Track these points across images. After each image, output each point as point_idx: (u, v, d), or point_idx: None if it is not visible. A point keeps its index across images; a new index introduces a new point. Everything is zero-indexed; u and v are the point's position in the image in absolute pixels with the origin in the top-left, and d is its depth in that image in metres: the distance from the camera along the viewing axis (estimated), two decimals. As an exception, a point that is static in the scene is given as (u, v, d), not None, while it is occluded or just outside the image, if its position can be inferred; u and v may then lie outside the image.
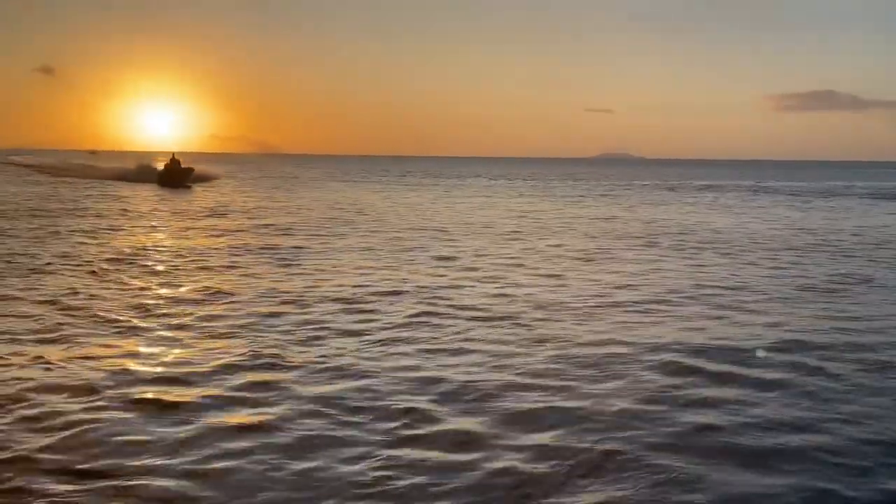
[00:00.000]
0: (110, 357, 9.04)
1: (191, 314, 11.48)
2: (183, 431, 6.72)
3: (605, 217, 33.12)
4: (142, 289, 13.56)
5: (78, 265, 16.10)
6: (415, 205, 39.11)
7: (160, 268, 16.11)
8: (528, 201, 44.88)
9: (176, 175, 51.83)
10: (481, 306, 12.36)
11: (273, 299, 12.70)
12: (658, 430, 6.96)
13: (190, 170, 53.14)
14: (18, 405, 7.30)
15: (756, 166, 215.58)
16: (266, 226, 25.91)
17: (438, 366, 8.95)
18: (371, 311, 11.86)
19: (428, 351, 9.62)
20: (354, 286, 14.05)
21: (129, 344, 9.71)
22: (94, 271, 15.34)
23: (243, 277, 15.03)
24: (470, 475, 5.99)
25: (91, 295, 12.82)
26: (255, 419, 7.05)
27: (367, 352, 9.49)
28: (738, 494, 5.74)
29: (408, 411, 7.36)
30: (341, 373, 8.58)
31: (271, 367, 8.75)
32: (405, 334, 10.44)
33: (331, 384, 8.16)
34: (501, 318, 11.48)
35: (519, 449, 6.49)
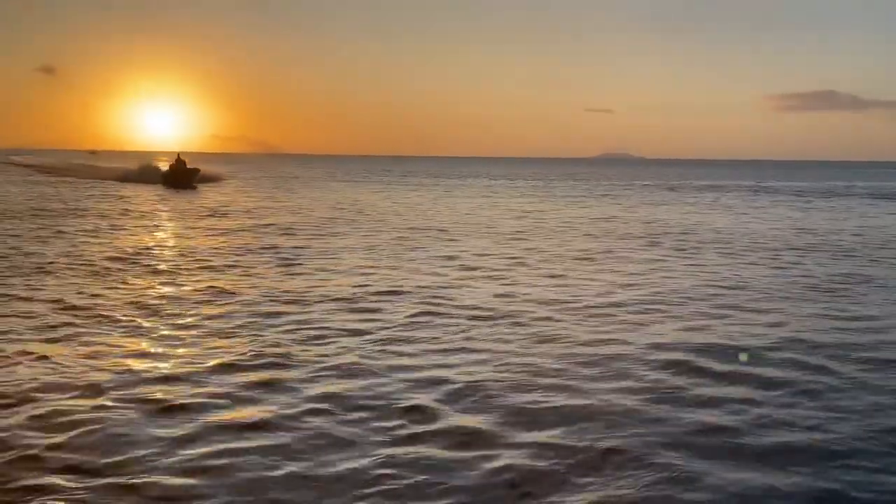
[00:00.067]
0: (114, 356, 9.09)
1: (193, 313, 11.52)
2: (186, 429, 6.76)
3: (605, 217, 33.13)
4: (145, 288, 13.59)
5: (81, 265, 16.13)
6: (415, 205, 39.13)
7: (163, 267, 16.14)
8: (529, 201, 44.90)
9: (182, 175, 50.74)
10: (482, 306, 12.39)
11: (275, 299, 12.74)
12: (659, 428, 6.99)
13: (196, 170, 51.94)
14: (25, 404, 7.34)
15: (756, 166, 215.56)
16: (267, 225, 25.93)
17: (439, 365, 8.97)
18: (372, 311, 11.89)
19: (429, 350, 9.65)
20: (356, 286, 14.08)
21: (132, 343, 9.75)
22: (97, 271, 15.38)
23: (245, 277, 15.06)
24: (471, 473, 6.02)
25: (94, 294, 12.86)
26: (257, 417, 7.09)
27: (368, 351, 9.52)
28: (739, 492, 5.77)
29: (409, 410, 7.39)
30: (343, 372, 8.61)
31: (273, 366, 8.79)
32: (406, 334, 10.47)
33: (332, 383, 8.19)
34: (502, 318, 11.51)
35: (520, 447, 6.52)
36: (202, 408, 7.32)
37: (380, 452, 6.35)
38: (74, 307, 11.77)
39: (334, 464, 6.13)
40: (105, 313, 11.37)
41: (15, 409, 7.21)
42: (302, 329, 10.61)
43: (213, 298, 12.72)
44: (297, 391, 7.90)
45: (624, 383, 8.33)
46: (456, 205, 39.88)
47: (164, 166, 57.53)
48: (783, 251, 20.84)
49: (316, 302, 12.53)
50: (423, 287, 14.06)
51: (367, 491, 5.68)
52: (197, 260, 17.31)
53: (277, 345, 9.68)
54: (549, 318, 11.53)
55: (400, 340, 10.10)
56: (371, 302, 12.62)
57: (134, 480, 5.77)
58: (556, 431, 6.88)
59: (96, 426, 6.80)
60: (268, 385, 8.06)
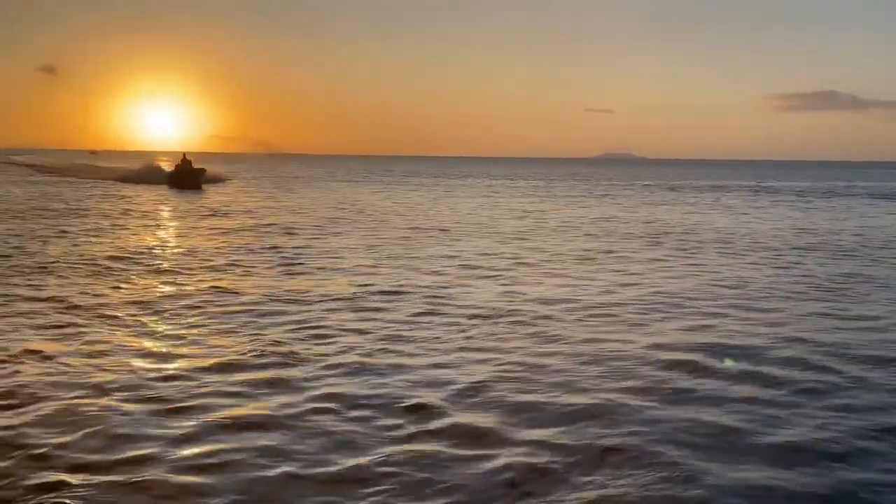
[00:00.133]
0: (118, 355, 9.14)
1: (196, 313, 11.56)
2: (189, 428, 6.81)
3: (606, 217, 33.16)
4: (147, 288, 13.64)
5: (84, 264, 16.18)
6: (416, 204, 39.16)
7: (165, 266, 16.18)
8: (530, 201, 44.93)
9: (187, 176, 49.52)
10: (483, 305, 12.43)
11: (276, 298, 12.78)
12: (660, 427, 7.02)
13: (202, 170, 50.63)
14: (31, 404, 7.38)
15: (756, 166, 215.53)
16: (268, 225, 25.97)
17: (441, 364, 9.01)
18: (374, 310, 11.93)
19: (430, 349, 9.69)
20: (357, 285, 14.12)
21: (136, 342, 9.79)
22: (99, 270, 15.42)
23: (246, 277, 15.10)
24: (471, 472, 6.05)
25: (97, 294, 12.90)
26: (260, 416, 7.13)
27: (369, 350, 9.56)
28: (740, 490, 5.80)
29: (410, 409, 7.42)
30: (344, 371, 8.65)
31: (276, 365, 8.83)
32: (408, 333, 10.51)
33: (334, 381, 8.23)
34: (503, 317, 11.54)
35: (520, 445, 6.55)
36: (205, 406, 7.36)
37: (381, 451, 6.39)
38: (77, 306, 11.81)
39: (335, 462, 6.17)
40: (108, 313, 11.42)
41: (22, 408, 7.26)
42: (303, 328, 10.65)
43: (215, 298, 12.76)
44: (300, 390, 7.94)
45: (624, 382, 8.36)
46: (457, 205, 39.91)
47: (166, 166, 57.33)
48: (784, 251, 20.87)
49: (317, 301, 12.57)
50: (425, 286, 14.10)
51: (367, 490, 5.72)
52: (199, 259, 17.35)
53: (279, 344, 9.72)
54: (550, 318, 11.57)
55: (401, 339, 10.14)
56: (372, 301, 12.66)
57: (140, 478, 5.82)
58: (557, 430, 6.91)
59: (102, 425, 6.84)
60: (270, 384, 8.11)
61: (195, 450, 6.35)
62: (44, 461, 6.08)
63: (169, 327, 10.63)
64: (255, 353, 9.22)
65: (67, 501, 5.42)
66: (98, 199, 37.74)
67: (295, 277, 15.12)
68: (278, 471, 6.00)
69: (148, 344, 9.71)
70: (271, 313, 11.60)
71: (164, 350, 9.43)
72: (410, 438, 6.70)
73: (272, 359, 9.04)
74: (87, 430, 6.68)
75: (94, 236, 21.67)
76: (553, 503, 5.57)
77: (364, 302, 12.60)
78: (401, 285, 14.17)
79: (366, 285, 14.15)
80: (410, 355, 9.39)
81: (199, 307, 11.98)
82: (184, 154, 52.02)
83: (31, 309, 11.60)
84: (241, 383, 8.10)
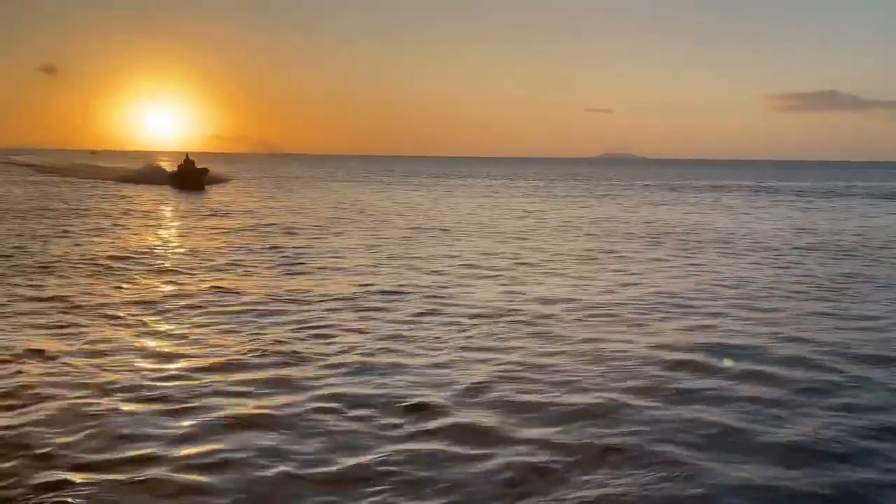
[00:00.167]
0: (120, 354, 9.16)
1: (197, 312, 11.58)
2: (191, 427, 6.83)
3: (606, 217, 33.17)
4: (149, 287, 13.66)
5: (85, 264, 16.20)
6: (417, 204, 39.18)
7: (166, 266, 16.20)
8: (530, 201, 44.95)
9: (190, 176, 49.19)
10: (484, 305, 12.44)
11: (277, 298, 12.80)
12: (660, 426, 7.03)
13: (205, 170, 50.37)
14: (35, 403, 7.40)
15: (756, 166, 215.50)
16: (269, 225, 25.99)
17: (441, 363, 9.03)
18: (374, 310, 11.95)
19: (431, 349, 9.70)
20: (358, 285, 14.14)
21: (138, 341, 9.82)
22: (100, 270, 15.45)
23: (247, 276, 15.13)
24: (471, 471, 6.07)
25: (99, 293, 12.92)
26: (262, 415, 7.15)
27: (370, 349, 9.58)
28: (740, 490, 5.81)
29: (410, 408, 7.44)
30: (345, 370, 8.67)
31: (276, 364, 8.85)
32: (408, 332, 10.53)
33: (335, 381, 8.25)
34: (504, 316, 11.56)
35: (520, 444, 6.57)
36: (206, 406, 7.38)
37: (381, 450, 6.41)
38: (79, 306, 11.83)
39: (336, 461, 6.19)
40: (110, 312, 11.45)
41: (25, 408, 7.28)
42: (304, 328, 10.67)
43: (216, 298, 12.78)
44: (301, 389, 7.95)
45: (624, 382, 8.38)
46: (457, 204, 39.93)
47: (166, 166, 57.24)
48: (784, 251, 20.88)
49: (318, 301, 12.59)
50: (425, 286, 14.11)
51: (368, 489, 5.74)
52: (200, 259, 17.37)
53: (280, 343, 9.74)
54: (550, 317, 11.58)
55: (402, 339, 10.16)
56: (373, 301, 12.67)
57: (142, 477, 5.84)
58: (557, 429, 6.93)
59: (104, 424, 6.86)
60: (271, 383, 8.13)
61: (197, 449, 6.37)
62: (46, 460, 6.11)
63: (170, 327, 10.65)
64: (256, 353, 9.24)
65: (70, 500, 5.45)
66: (99, 199, 37.77)
67: (295, 277, 15.14)
68: (279, 470, 6.02)
69: (149, 344, 9.73)
70: (272, 313, 11.62)
71: (165, 350, 9.45)
72: (411, 438, 6.72)
73: (273, 358, 9.06)
74: (89, 430, 6.71)
75: (95, 236, 21.70)
76: (553, 503, 5.59)
77: (365, 302, 12.62)
78: (401, 285, 14.19)
79: (366, 285, 14.16)
80: (411, 355, 9.41)
81: (200, 307, 12.00)
82: (186, 154, 51.72)
83: (33, 309, 11.62)
84: (243, 383, 8.12)
